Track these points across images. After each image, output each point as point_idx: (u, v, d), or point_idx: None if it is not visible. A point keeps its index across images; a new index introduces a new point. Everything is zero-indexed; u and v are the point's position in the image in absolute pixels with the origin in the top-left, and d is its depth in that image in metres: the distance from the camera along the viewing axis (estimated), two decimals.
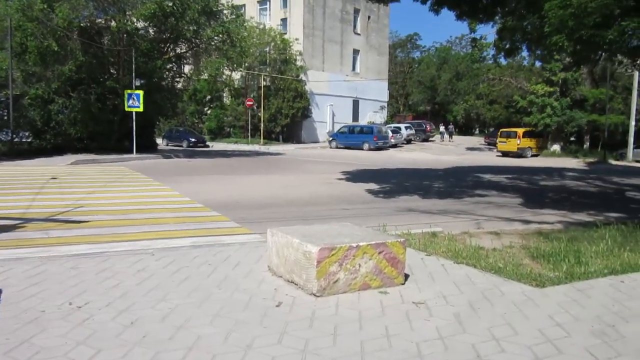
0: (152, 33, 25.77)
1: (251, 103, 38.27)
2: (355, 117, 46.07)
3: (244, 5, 41.79)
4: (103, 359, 3.17)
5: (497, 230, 7.94)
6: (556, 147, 34.81)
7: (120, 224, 8.06)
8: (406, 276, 4.92)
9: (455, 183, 16.41)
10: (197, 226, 8.08)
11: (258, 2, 43.49)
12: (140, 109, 22.94)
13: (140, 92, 22.85)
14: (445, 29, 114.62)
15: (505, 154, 33.08)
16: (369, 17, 47.65)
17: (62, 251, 6.10)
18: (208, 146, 35.97)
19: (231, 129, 43.09)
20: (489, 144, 41.24)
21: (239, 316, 3.92)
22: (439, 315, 4.00)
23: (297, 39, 40.06)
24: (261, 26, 40.23)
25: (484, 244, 6.65)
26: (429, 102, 63.50)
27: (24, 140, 23.21)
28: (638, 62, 10.38)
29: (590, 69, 33.32)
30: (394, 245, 4.72)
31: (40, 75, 23.27)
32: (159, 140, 32.03)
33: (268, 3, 42.80)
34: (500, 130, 35.60)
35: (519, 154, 32.36)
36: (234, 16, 26.92)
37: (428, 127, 46.05)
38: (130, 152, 23.34)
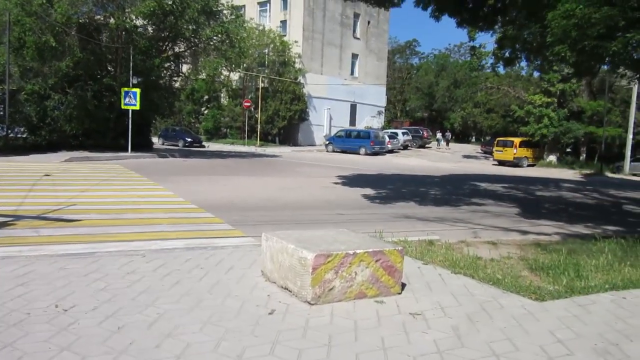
0: (151, 31, 25.64)
1: (249, 104, 38.15)
2: (353, 121, 46.03)
3: (244, 6, 41.74)
4: None
5: (494, 240, 7.86)
6: (552, 158, 34.86)
7: (113, 224, 7.91)
8: (403, 285, 4.81)
9: (452, 191, 16.33)
10: (190, 228, 7.95)
11: (258, 3, 43.43)
12: (137, 107, 22.77)
13: (137, 90, 22.69)
14: (444, 36, 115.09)
15: (501, 163, 33.10)
16: (368, 22, 47.70)
17: (52, 250, 5.96)
18: (204, 146, 35.80)
19: (228, 130, 42.94)
20: (485, 152, 41.29)
21: (230, 324, 3.79)
22: (436, 327, 3.88)
23: (296, 42, 40.02)
24: (261, 27, 40.16)
25: (482, 254, 6.55)
26: (426, 109, 63.60)
27: (19, 136, 22.97)
28: None
29: (589, 81, 33.43)
30: (392, 253, 4.61)
31: (37, 71, 23.09)
32: (154, 139, 31.84)
33: (268, 4, 42.76)
34: (497, 139, 35.66)
35: (515, 164, 32.38)
36: (233, 16, 26.83)
37: (425, 134, 46.07)
38: (126, 150, 23.16)
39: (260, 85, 38.94)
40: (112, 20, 23.53)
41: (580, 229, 10.07)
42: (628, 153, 30.82)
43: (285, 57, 39.58)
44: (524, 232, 9.26)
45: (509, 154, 32.96)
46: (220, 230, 7.89)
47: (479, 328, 3.90)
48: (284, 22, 41.68)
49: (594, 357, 3.44)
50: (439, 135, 46.88)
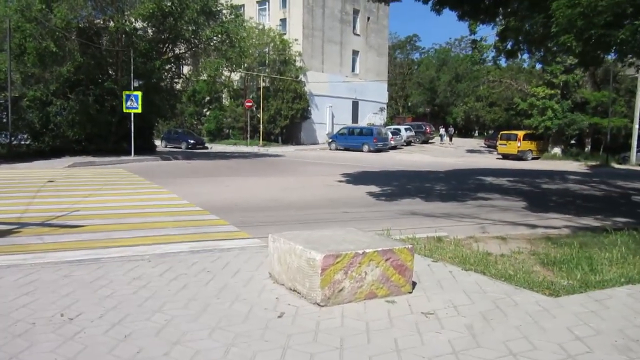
0: (151, 33, 25.56)
1: (250, 104, 38.05)
2: (355, 118, 45.89)
3: (243, 5, 41.60)
4: None
5: (503, 234, 7.76)
6: (557, 150, 34.62)
7: (117, 229, 7.84)
8: (413, 284, 4.72)
9: (457, 186, 16.21)
10: (195, 230, 7.87)
11: (257, 2, 43.29)
12: (139, 110, 22.72)
13: (139, 93, 22.63)
14: (445, 31, 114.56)
15: (505, 156, 32.89)
16: (368, 18, 47.51)
17: (57, 257, 5.89)
18: (207, 148, 35.72)
19: (230, 131, 42.85)
20: (488, 146, 41.07)
21: (239, 328, 3.71)
22: (450, 327, 3.79)
23: (296, 40, 39.87)
24: (260, 26, 40.03)
25: (491, 250, 6.46)
26: (428, 104, 63.33)
27: (22, 142, 22.96)
28: None
29: (592, 72, 33.17)
30: (402, 252, 4.52)
31: (38, 77, 23.06)
32: (157, 142, 31.79)
33: (267, 3, 42.62)
34: (501, 132, 35.42)
35: (520, 157, 32.17)
36: (233, 16, 26.71)
37: (428, 129, 45.88)
38: (129, 154, 23.11)
39: (262, 84, 38.83)
40: (111, 24, 23.48)
41: (589, 221, 9.94)
42: (634, 143, 30.55)
43: (286, 56, 39.45)
44: (533, 226, 9.14)
45: (513, 147, 32.74)
46: (226, 232, 7.81)
47: (494, 326, 3.80)
48: (283, 21, 41.54)
49: (616, 354, 3.34)
50: (442, 130, 46.67)
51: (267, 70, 39.80)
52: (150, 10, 22.33)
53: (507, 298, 4.48)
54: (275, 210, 10.31)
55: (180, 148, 34.42)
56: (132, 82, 22.95)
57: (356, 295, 4.31)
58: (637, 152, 30.44)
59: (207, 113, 44.11)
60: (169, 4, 23.15)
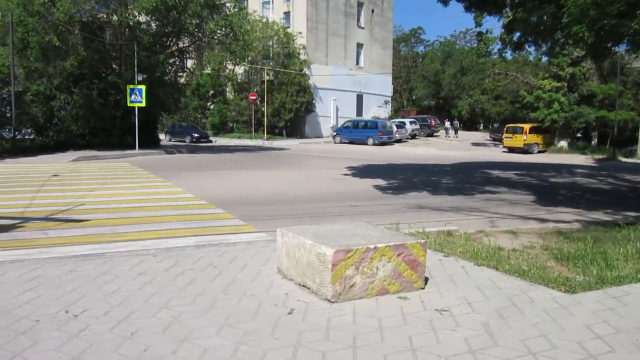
0: (154, 27, 25.40)
1: (254, 98, 37.89)
2: (359, 111, 45.66)
3: None
4: None
5: (513, 229, 7.62)
6: (563, 144, 34.35)
7: (122, 223, 7.76)
8: (425, 279, 4.61)
9: (464, 179, 16.05)
10: (201, 224, 7.77)
11: None
12: (143, 104, 22.62)
13: (143, 87, 22.52)
14: (449, 23, 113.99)
15: (511, 149, 32.66)
16: (372, 11, 47.17)
17: (61, 252, 5.81)
18: (211, 141, 35.64)
19: (234, 124, 42.73)
20: (494, 139, 40.79)
21: (248, 326, 3.61)
22: (465, 324, 3.68)
23: (300, 33, 39.62)
24: (264, 20, 39.79)
25: (502, 244, 6.34)
26: (433, 97, 63.00)
27: (26, 137, 22.89)
28: None
29: (599, 64, 32.81)
30: (414, 246, 4.40)
31: (42, 71, 22.97)
32: (161, 136, 31.72)
33: None
34: (507, 125, 35.15)
35: (525, 150, 31.92)
36: (236, 9, 26.49)
37: (433, 122, 45.59)
38: (133, 148, 23.03)
39: (266, 78, 38.65)
40: (114, 17, 23.33)
41: (600, 215, 9.79)
42: None
43: (290, 49, 39.22)
44: (543, 220, 9.00)
45: (519, 140, 32.48)
46: (232, 226, 7.71)
47: (511, 324, 3.69)
48: (287, 14, 41.27)
49: (638, 354, 3.22)
50: (447, 124, 46.31)
51: (271, 63, 39.60)
52: (154, 4, 22.16)
53: (522, 294, 4.36)
54: (281, 203, 10.20)
55: (185, 142, 34.34)
56: (136, 76, 22.84)
57: (367, 291, 4.20)
58: None
59: (211, 107, 43.99)
60: None
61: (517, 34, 16.10)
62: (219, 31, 25.63)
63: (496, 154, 31.62)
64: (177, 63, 27.80)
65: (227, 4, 26.25)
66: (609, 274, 4.86)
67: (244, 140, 37.30)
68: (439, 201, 11.13)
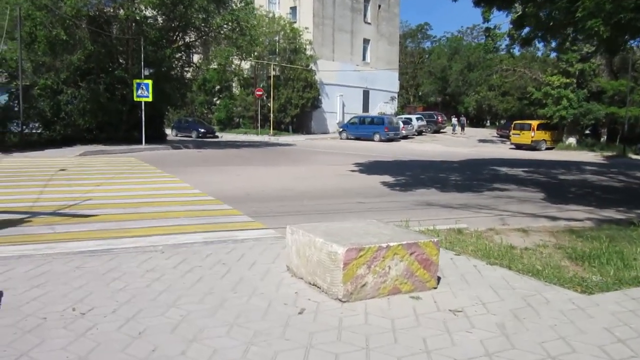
0: (161, 21, 25.33)
1: (260, 93, 37.81)
2: (366, 107, 45.47)
3: None
4: None
5: (524, 227, 7.51)
6: (572, 140, 34.04)
7: (129, 218, 7.70)
8: (438, 279, 4.51)
9: (472, 176, 15.92)
10: (208, 220, 7.71)
11: None
12: (150, 99, 22.57)
13: (150, 82, 22.47)
14: (456, 19, 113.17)
15: (518, 146, 32.41)
16: (379, 6, 46.88)
17: (68, 248, 5.77)
18: (217, 137, 35.62)
19: (240, 120, 42.68)
20: (501, 136, 40.53)
21: (258, 326, 3.53)
22: (480, 326, 3.59)
23: (306, 28, 39.45)
24: (270, 15, 39.65)
25: (513, 242, 6.24)
26: (439, 93, 62.65)
27: (34, 131, 22.93)
28: None
29: (609, 60, 32.47)
30: (427, 245, 4.31)
31: (49, 65, 22.98)
32: (167, 131, 31.70)
33: None
34: (514, 122, 34.89)
35: (533, 147, 31.68)
36: (243, 4, 26.37)
37: (439, 119, 45.32)
38: (139, 142, 23.01)
39: (272, 73, 38.54)
40: (121, 12, 23.28)
41: (612, 213, 9.65)
42: None
43: (296, 44, 39.07)
44: (554, 218, 8.88)
45: (526, 137, 32.23)
46: (239, 223, 7.64)
47: (527, 326, 3.59)
48: (293, 9, 41.09)
49: None
50: (454, 120, 45.98)
51: (277, 59, 39.46)
52: None
53: (537, 295, 4.26)
54: (289, 200, 10.13)
55: (191, 137, 34.34)
56: (142, 71, 22.79)
57: (379, 290, 4.12)
58: None
59: (218, 102, 43.94)
60: None
61: (526, 30, 15.93)
62: (225, 26, 25.52)
63: (503, 150, 31.42)
64: (184, 58, 27.73)
65: None
66: (627, 274, 4.75)
67: (250, 135, 37.24)
68: (448, 198, 11.02)
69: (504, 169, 18.39)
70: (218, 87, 43.12)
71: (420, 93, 64.98)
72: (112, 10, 24.23)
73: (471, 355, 3.12)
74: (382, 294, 4.13)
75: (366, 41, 45.96)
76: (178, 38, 26.28)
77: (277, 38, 39.74)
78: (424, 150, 28.27)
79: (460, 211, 9.43)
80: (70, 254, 5.40)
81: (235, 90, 43.48)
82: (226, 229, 7.04)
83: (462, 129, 45.55)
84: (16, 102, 21.84)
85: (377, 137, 34.23)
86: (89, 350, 3.09)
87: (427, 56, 67.51)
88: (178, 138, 33.26)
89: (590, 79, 33.62)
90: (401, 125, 36.61)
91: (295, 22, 40.12)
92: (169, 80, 25.29)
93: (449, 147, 31.49)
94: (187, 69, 28.60)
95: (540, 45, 37.62)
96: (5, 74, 23.29)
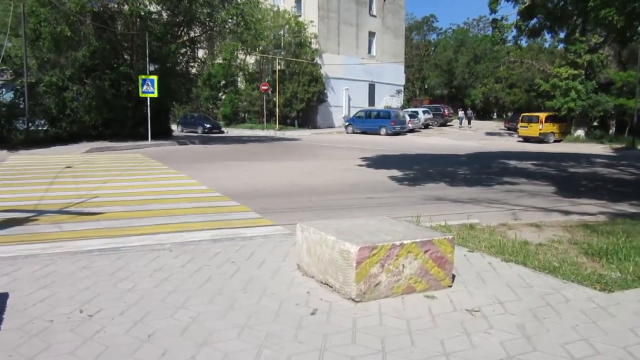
0: (166, 17, 25.20)
1: (266, 88, 37.63)
2: (372, 101, 45.22)
3: None
4: None
5: (536, 222, 7.37)
6: (580, 133, 33.66)
7: (136, 216, 7.63)
8: (452, 277, 4.40)
9: (481, 169, 15.75)
10: (216, 217, 7.62)
11: None
12: (155, 95, 22.49)
13: (155, 78, 22.38)
14: (462, 11, 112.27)
15: (526, 139, 32.09)
16: None
17: (75, 247, 5.70)
18: (223, 132, 35.50)
19: (246, 115, 42.53)
20: (508, 128, 40.18)
21: (269, 327, 3.44)
22: (500, 326, 3.47)
23: (311, 22, 39.16)
24: (275, 9, 39.40)
25: (527, 237, 6.11)
26: (446, 86, 62.20)
27: (39, 128, 22.90)
28: None
29: (618, 51, 32.04)
30: (442, 243, 4.19)
31: (54, 62, 22.94)
32: (173, 127, 31.62)
33: None
34: (522, 114, 34.53)
35: (541, 140, 31.36)
36: None
37: (446, 112, 45.01)
38: (145, 138, 22.97)
39: (277, 67, 38.34)
40: (126, 7, 23.16)
41: (625, 207, 9.49)
42: None
43: (301, 38, 38.81)
44: (566, 213, 8.73)
45: (534, 129, 31.91)
46: (247, 220, 7.55)
47: (548, 327, 3.47)
48: (298, 2, 40.78)
49: None
50: (460, 113, 45.61)
51: (282, 53, 39.26)
52: None
53: (556, 293, 4.14)
54: (297, 195, 10.02)
55: (197, 132, 34.25)
56: (147, 67, 22.70)
57: (393, 290, 4.01)
58: None
59: (223, 97, 43.79)
60: None
61: (534, 21, 15.71)
62: (230, 20, 25.34)
63: (511, 143, 31.13)
64: (189, 53, 27.60)
65: None
66: None
67: (256, 130, 37.11)
68: (458, 192, 10.88)
69: (512, 162, 18.19)
70: (223, 82, 42.94)
71: (426, 86, 64.57)
72: (116, 6, 24.13)
73: (492, 359, 3.01)
74: (396, 293, 4.02)
75: (372, 34, 45.63)
76: (183, 33, 26.16)
77: (282, 32, 39.51)
78: (431, 144, 28.07)
79: (471, 206, 9.30)
80: (77, 253, 5.33)
81: (241, 85, 43.32)
82: (234, 226, 6.95)
83: (469, 122, 45.21)
84: (22, 99, 21.81)
85: (383, 131, 34.02)
86: (96, 354, 3.01)
87: (433, 49, 66.99)
88: (184, 134, 33.18)
89: (599, 70, 33.18)
90: (407, 118, 36.37)
91: (300, 15, 39.85)
92: (174, 75, 25.19)
93: (456, 141, 31.25)
94: (192, 64, 28.47)
95: (547, 37, 37.15)
96: (11, 71, 23.26)
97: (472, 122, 46.08)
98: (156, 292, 4.11)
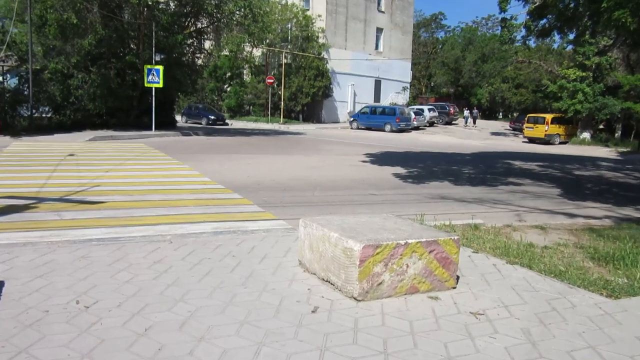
0: (173, 7, 25.08)
1: (272, 81, 37.49)
2: (377, 97, 45.04)
3: None
4: None
5: (541, 224, 7.28)
6: (586, 135, 33.45)
7: (137, 206, 7.56)
8: (456, 278, 4.31)
9: (486, 169, 15.63)
10: (218, 210, 7.55)
11: None
12: (160, 85, 22.38)
13: (160, 68, 22.26)
14: (471, 9, 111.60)
15: (531, 140, 31.96)
16: None
17: (75, 235, 5.63)
18: (227, 124, 35.43)
19: (251, 107, 42.43)
20: (514, 129, 39.99)
21: (269, 324, 3.36)
22: (504, 331, 3.39)
23: (319, 16, 38.98)
24: (283, 2, 39.21)
25: (532, 240, 6.02)
26: (452, 84, 61.88)
27: (44, 115, 22.85)
28: None
29: (626, 54, 31.77)
30: (447, 243, 4.10)
31: (60, 49, 22.85)
32: (177, 118, 31.55)
33: None
34: (528, 115, 34.35)
35: (547, 141, 31.21)
36: None
37: (451, 110, 44.79)
38: (149, 128, 22.90)
39: (283, 61, 38.20)
40: None
41: (630, 212, 9.37)
42: None
43: (309, 32, 38.63)
44: (571, 215, 8.63)
45: (540, 130, 31.74)
46: (250, 213, 7.47)
47: (554, 332, 3.39)
48: None
49: None
50: (466, 112, 45.37)
51: (289, 46, 39.10)
52: None
53: (562, 298, 4.05)
54: (300, 190, 9.94)
55: (201, 124, 34.20)
56: (153, 56, 22.60)
57: (396, 289, 3.93)
58: None
59: (228, 89, 43.69)
60: None
61: (543, 21, 15.57)
62: (237, 12, 25.20)
63: (516, 144, 30.99)
64: (195, 44, 27.48)
65: None
66: None
67: (260, 123, 37.03)
68: (462, 192, 10.78)
69: (517, 163, 18.06)
70: (229, 74, 42.81)
71: (432, 84, 64.27)
72: None
73: None
74: (399, 293, 3.95)
75: (379, 30, 45.40)
76: (190, 24, 26.03)
77: (289, 25, 39.34)
78: (436, 142, 27.93)
79: (475, 205, 9.20)
80: (76, 242, 5.27)
81: (246, 77, 43.20)
82: (236, 219, 6.87)
83: (474, 121, 44.99)
84: (26, 85, 21.75)
85: (388, 127, 33.89)
86: (91, 347, 2.94)
87: (440, 46, 66.63)
88: (188, 125, 33.12)
89: (607, 72, 32.94)
90: (413, 116, 36.21)
91: (308, 9, 39.66)
92: (180, 66, 25.07)
93: (461, 139, 31.11)
94: (198, 55, 28.36)
95: (556, 38, 36.92)
96: (16, 57, 23.19)
97: (478, 121, 45.87)
98: (155, 284, 4.04)
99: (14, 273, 4.18)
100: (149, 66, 22.35)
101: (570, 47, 36.40)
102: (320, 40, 38.98)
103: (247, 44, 28.12)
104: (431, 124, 40.23)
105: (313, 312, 3.61)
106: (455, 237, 4.19)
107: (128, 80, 23.35)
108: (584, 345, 3.21)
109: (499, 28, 48.52)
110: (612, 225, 7.64)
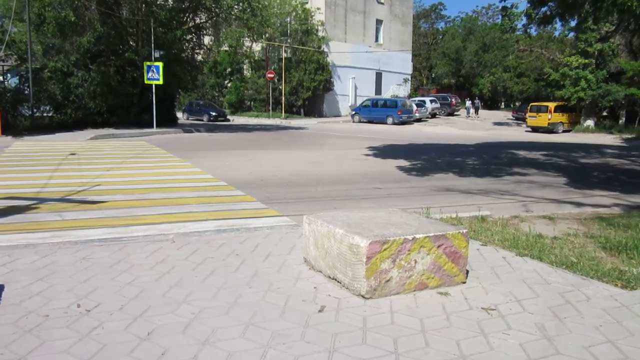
0: (171, 2, 24.92)
1: (272, 75, 37.31)
2: (378, 90, 44.81)
3: None
4: None
5: (549, 214, 7.16)
6: (589, 123, 33.20)
7: (139, 205, 7.47)
8: (466, 272, 4.21)
9: (490, 160, 15.49)
10: (221, 207, 7.45)
11: None
12: (160, 82, 22.25)
13: (160, 64, 22.12)
14: None
15: (535, 129, 31.73)
16: None
17: (76, 236, 5.54)
18: (229, 120, 35.31)
19: (252, 103, 42.27)
20: (517, 118, 39.74)
21: (275, 325, 3.26)
22: (518, 327, 3.28)
23: (318, 9, 38.71)
24: None
25: (540, 230, 5.91)
26: (453, 75, 61.51)
27: (44, 114, 22.76)
28: None
29: (628, 40, 31.46)
30: (456, 237, 3.99)
31: (59, 48, 22.72)
32: (178, 114, 31.42)
33: None
34: (531, 104, 34.09)
35: (550, 130, 30.98)
36: None
37: (453, 101, 44.53)
38: (150, 126, 22.79)
39: (284, 55, 38.00)
40: None
41: (639, 199, 9.24)
42: None
43: (308, 26, 38.38)
44: (579, 204, 8.50)
45: (543, 119, 31.51)
46: (253, 210, 7.37)
47: (570, 327, 3.28)
48: None
49: None
50: (468, 102, 45.08)
51: (288, 40, 38.86)
52: None
53: (575, 291, 3.94)
54: (303, 185, 9.84)
55: (202, 120, 34.08)
56: (153, 53, 22.46)
57: (405, 286, 3.83)
58: None
59: (228, 85, 43.52)
60: None
61: (545, 8, 15.36)
62: (236, 7, 25.04)
63: (519, 133, 30.78)
64: (194, 40, 27.32)
65: None
66: None
67: (262, 119, 36.88)
68: (467, 183, 10.66)
69: (522, 153, 17.91)
70: (229, 69, 42.63)
71: (433, 75, 63.92)
72: None
73: None
74: (408, 289, 3.84)
75: (379, 22, 45.10)
76: (188, 19, 25.86)
77: (288, 19, 39.09)
78: (438, 134, 27.76)
79: (481, 197, 9.08)
80: (77, 243, 5.18)
81: (247, 72, 43.01)
82: (239, 217, 6.77)
83: (477, 111, 44.73)
84: (26, 85, 21.63)
85: (390, 120, 33.72)
86: (92, 353, 2.84)
87: (441, 37, 66.19)
88: (189, 121, 33.01)
89: (610, 59, 32.62)
90: (414, 107, 36.02)
91: (307, 2, 39.39)
92: (179, 62, 24.93)
93: (464, 130, 30.92)
94: (197, 51, 28.20)
95: (558, 25, 36.56)
96: (15, 56, 23.08)
97: (480, 111, 45.59)
98: (157, 285, 3.95)
99: (14, 276, 4.10)
100: (148, 63, 22.22)
101: (572, 34, 36.02)
102: (320, 34, 38.74)
103: (246, 38, 28.01)
104: (433, 116, 40.02)
105: (320, 311, 3.51)
106: (464, 231, 4.08)
107: (128, 78, 23.22)
108: (602, 339, 3.11)
109: (500, 17, 48.09)
110: (622, 213, 7.50)
